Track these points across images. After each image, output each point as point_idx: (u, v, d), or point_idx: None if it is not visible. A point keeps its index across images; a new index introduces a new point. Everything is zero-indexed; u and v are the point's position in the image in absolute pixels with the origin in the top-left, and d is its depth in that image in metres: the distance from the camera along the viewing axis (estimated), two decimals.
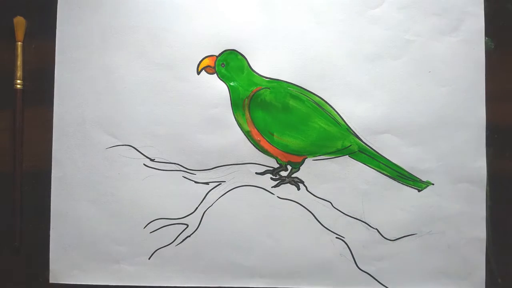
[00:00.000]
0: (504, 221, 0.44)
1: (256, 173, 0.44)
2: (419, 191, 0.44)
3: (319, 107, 0.43)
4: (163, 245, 0.44)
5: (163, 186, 0.44)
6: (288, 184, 0.44)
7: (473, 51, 0.44)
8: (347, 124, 0.44)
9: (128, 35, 0.44)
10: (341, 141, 0.44)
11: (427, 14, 0.44)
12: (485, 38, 0.44)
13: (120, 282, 0.44)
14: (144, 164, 0.44)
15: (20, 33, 0.44)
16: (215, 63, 0.44)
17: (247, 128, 0.44)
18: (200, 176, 0.44)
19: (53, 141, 0.44)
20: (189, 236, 0.44)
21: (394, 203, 0.44)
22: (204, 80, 0.44)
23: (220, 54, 0.44)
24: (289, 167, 0.44)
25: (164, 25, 0.44)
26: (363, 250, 0.43)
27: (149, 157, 0.44)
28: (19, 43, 0.44)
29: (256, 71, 0.44)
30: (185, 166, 0.44)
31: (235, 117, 0.44)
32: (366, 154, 0.44)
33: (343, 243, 0.43)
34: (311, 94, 0.44)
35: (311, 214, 0.44)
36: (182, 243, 0.44)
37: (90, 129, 0.44)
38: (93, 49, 0.44)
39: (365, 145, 0.44)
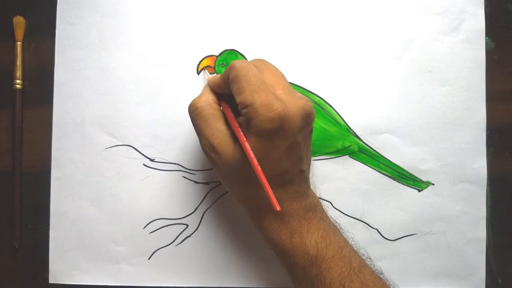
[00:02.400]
0: (504, 221, 0.44)
1: None
2: (419, 191, 0.44)
3: (319, 107, 0.43)
4: (163, 245, 0.44)
5: (163, 186, 0.44)
6: None
7: (473, 51, 0.44)
8: (347, 124, 0.44)
9: (128, 35, 0.44)
10: (341, 141, 0.44)
11: (427, 14, 0.44)
12: (485, 38, 0.44)
13: (120, 282, 0.44)
14: (144, 164, 0.44)
15: (19, 33, 0.44)
16: (215, 63, 0.43)
17: None
18: (200, 176, 0.44)
19: (53, 141, 0.44)
20: (189, 236, 0.44)
21: (394, 203, 0.44)
22: (204, 80, 0.43)
23: (220, 54, 0.44)
24: None
25: (164, 25, 0.44)
26: (363, 250, 0.43)
27: (149, 157, 0.44)
28: (19, 43, 0.44)
29: None
30: (185, 166, 0.44)
31: None
32: (366, 154, 0.44)
33: None
34: (311, 94, 0.44)
35: None
36: (182, 243, 0.44)
37: (90, 129, 0.44)
38: (93, 49, 0.44)
39: (365, 145, 0.44)
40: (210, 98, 0.36)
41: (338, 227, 0.38)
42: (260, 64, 0.36)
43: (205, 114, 0.35)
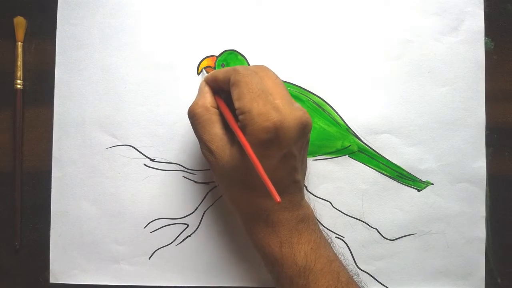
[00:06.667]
0: (504, 221, 0.44)
1: None
2: (418, 191, 0.44)
3: (319, 107, 0.44)
4: (163, 245, 0.44)
5: (163, 186, 0.44)
6: None
7: (473, 51, 0.44)
8: (346, 124, 0.44)
9: (128, 35, 0.44)
10: (341, 141, 0.44)
11: (427, 14, 0.44)
12: (485, 38, 0.44)
13: (120, 282, 0.44)
14: (144, 164, 0.44)
15: (20, 33, 0.44)
16: (215, 63, 0.44)
17: None
18: (200, 176, 0.44)
19: (53, 141, 0.44)
20: (189, 236, 0.44)
21: (394, 203, 0.44)
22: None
23: (220, 54, 0.44)
24: None
25: (164, 26, 0.44)
26: (363, 249, 0.43)
27: (149, 157, 0.44)
28: (19, 43, 0.44)
29: None
30: (185, 166, 0.44)
31: None
32: (366, 154, 0.44)
33: (343, 243, 0.44)
34: (311, 94, 0.44)
35: None
36: (182, 243, 0.44)
37: (90, 129, 0.44)
38: (93, 49, 0.44)
39: (365, 145, 0.44)
40: (207, 101, 0.37)
41: (329, 240, 0.38)
42: (261, 71, 0.36)
43: (203, 120, 0.36)
